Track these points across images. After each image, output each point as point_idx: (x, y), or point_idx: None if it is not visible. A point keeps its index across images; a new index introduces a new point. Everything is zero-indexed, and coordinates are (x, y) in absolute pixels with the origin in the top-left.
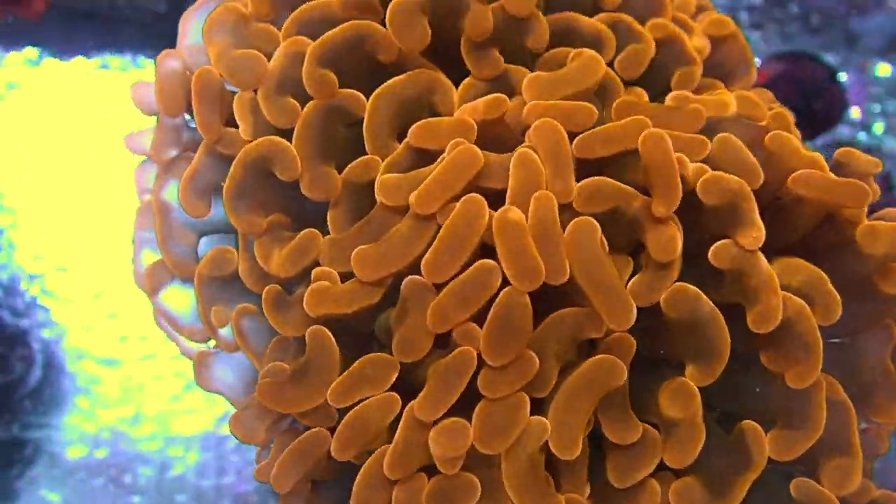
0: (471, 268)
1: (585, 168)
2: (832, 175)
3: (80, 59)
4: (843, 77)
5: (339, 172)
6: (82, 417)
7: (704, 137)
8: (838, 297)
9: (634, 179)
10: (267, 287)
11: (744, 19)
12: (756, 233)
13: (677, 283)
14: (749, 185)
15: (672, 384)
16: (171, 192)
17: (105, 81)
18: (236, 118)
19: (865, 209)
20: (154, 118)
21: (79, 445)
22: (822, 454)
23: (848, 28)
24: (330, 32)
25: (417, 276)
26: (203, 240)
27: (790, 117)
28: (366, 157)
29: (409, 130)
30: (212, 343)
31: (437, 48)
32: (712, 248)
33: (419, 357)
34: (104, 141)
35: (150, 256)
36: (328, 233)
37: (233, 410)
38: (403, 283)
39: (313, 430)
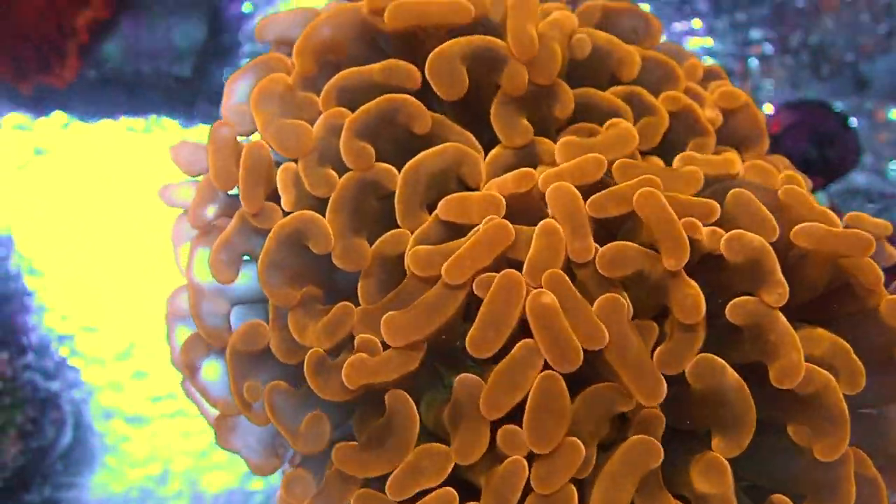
0: (514, 350)
1: (602, 227)
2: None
3: (106, 121)
4: (854, 123)
5: (371, 243)
6: (111, 476)
7: (713, 201)
8: (862, 367)
9: (651, 240)
10: (310, 352)
11: (754, 67)
12: (781, 289)
13: (702, 354)
14: (768, 238)
15: (703, 458)
16: (204, 262)
17: (131, 143)
18: (279, 189)
19: (882, 280)
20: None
21: None
22: None
23: (858, 73)
24: (366, 106)
25: (467, 375)
26: (234, 311)
27: (801, 179)
28: (397, 230)
29: (439, 204)
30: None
31: (470, 101)
32: (729, 304)
33: (475, 460)
34: (131, 201)
35: (184, 333)
36: (359, 303)
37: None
38: (456, 381)
39: None
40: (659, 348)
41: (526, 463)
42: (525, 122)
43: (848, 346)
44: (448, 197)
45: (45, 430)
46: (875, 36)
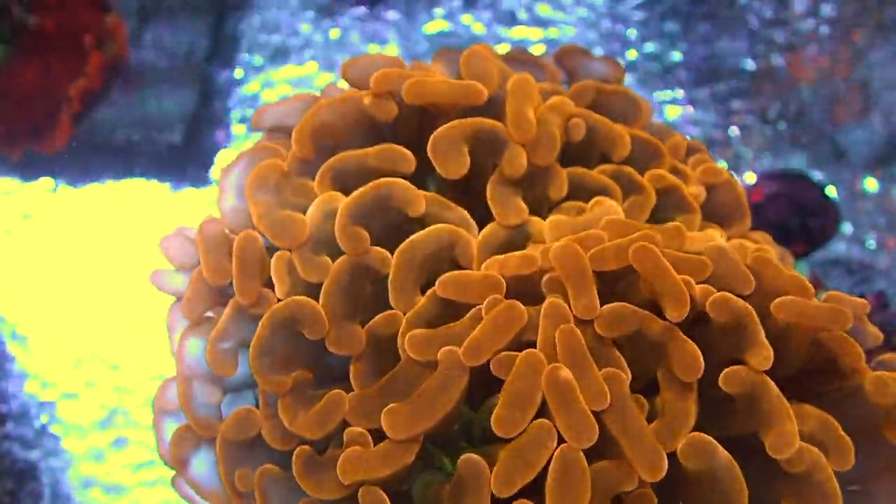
0: (529, 429)
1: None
2: (814, 300)
3: (93, 186)
4: (833, 192)
5: (363, 326)
6: None
7: (705, 258)
8: (851, 444)
9: (648, 296)
10: (298, 449)
11: (734, 135)
12: (766, 352)
13: (693, 433)
14: (743, 291)
15: None
16: (195, 351)
17: (118, 207)
18: (273, 279)
19: (863, 358)
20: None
21: None
22: None
23: (835, 144)
24: (360, 190)
25: (471, 455)
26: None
27: (772, 250)
28: (390, 311)
29: (438, 281)
30: None
31: (468, 176)
32: (723, 373)
33: None
34: (117, 267)
35: (173, 428)
36: (351, 385)
37: None
38: (460, 461)
39: None
40: (652, 425)
41: None
42: (520, 201)
43: (835, 422)
44: (448, 275)
45: (21, 501)
46: (851, 106)
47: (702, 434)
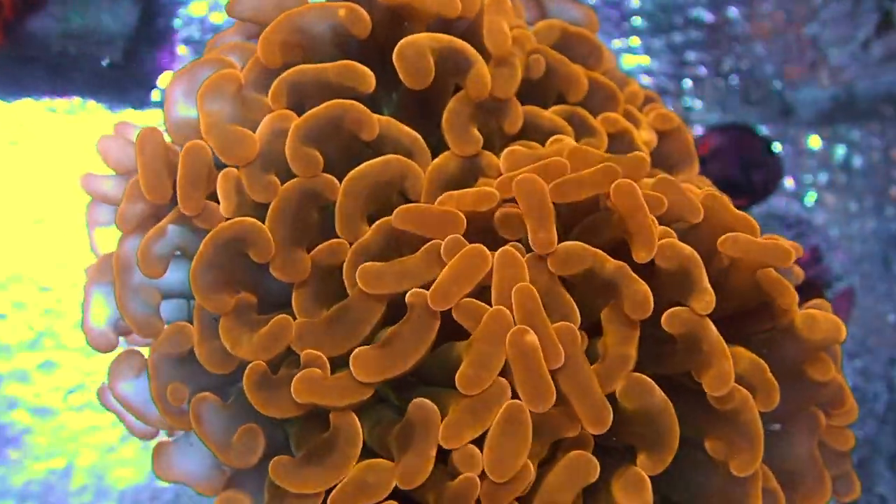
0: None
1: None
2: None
3: (26, 101)
4: (778, 148)
5: (308, 253)
6: (11, 469)
7: (661, 195)
8: (777, 385)
9: (612, 236)
10: (251, 365)
11: (686, 88)
12: (708, 297)
13: (633, 374)
14: (692, 220)
15: (625, 474)
16: (135, 248)
17: (52, 124)
18: (220, 195)
19: (797, 300)
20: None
21: (5, 500)
22: None
23: (784, 100)
24: (313, 111)
25: (423, 400)
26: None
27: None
28: (335, 240)
29: (396, 212)
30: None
31: (425, 99)
32: (665, 314)
33: (421, 481)
34: (48, 184)
35: (101, 311)
36: (293, 313)
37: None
38: (411, 404)
39: None
40: (593, 367)
41: (479, 482)
42: (476, 132)
43: (764, 364)
44: (407, 206)
45: None
46: (801, 64)
47: (640, 375)
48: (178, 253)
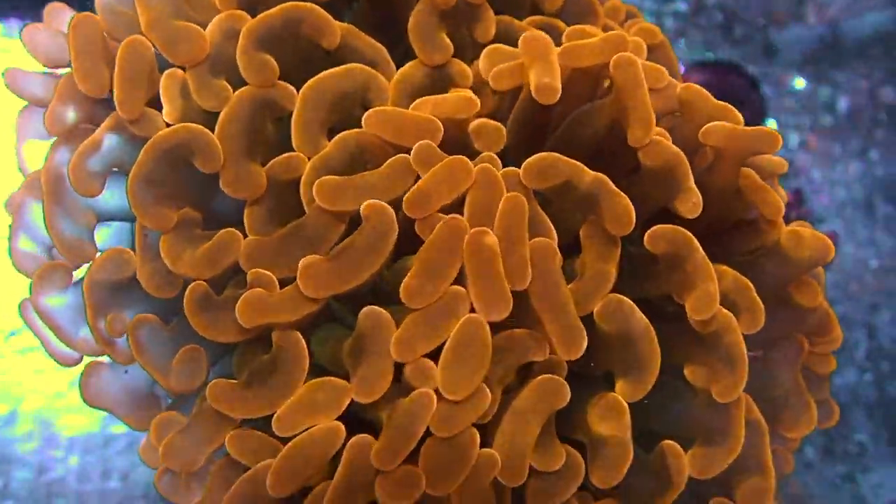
0: (441, 296)
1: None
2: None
3: None
4: (761, 86)
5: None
6: None
7: (661, 67)
8: (762, 305)
9: (604, 123)
10: (192, 285)
11: (669, 26)
12: (695, 198)
13: (612, 295)
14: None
15: (602, 400)
16: (66, 160)
17: None
18: (162, 98)
19: (782, 211)
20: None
21: None
22: (736, 474)
23: (767, 40)
24: (269, 11)
25: (375, 307)
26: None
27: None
28: (290, 153)
29: (366, 115)
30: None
31: (389, 15)
32: (648, 232)
33: (378, 397)
34: None
35: (30, 233)
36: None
37: None
38: (360, 314)
39: (261, 464)
40: (570, 286)
41: (435, 396)
42: (445, 38)
43: (749, 282)
44: (377, 109)
45: None
46: (787, 4)
47: (620, 296)
48: (116, 170)
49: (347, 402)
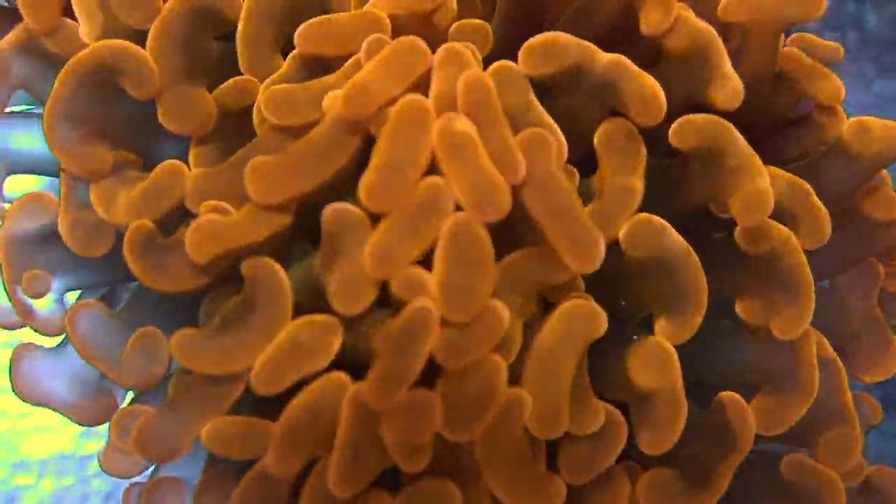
0: (418, 190)
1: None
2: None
3: None
4: None
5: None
6: None
7: None
8: (826, 212)
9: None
10: (134, 224)
11: None
12: (734, 83)
13: (639, 215)
14: None
15: (642, 347)
16: None
17: None
18: (77, 14)
19: (842, 94)
20: None
21: None
22: (812, 425)
23: None
24: None
25: (342, 203)
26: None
27: None
28: (240, 77)
29: (297, 32)
30: None
31: None
32: (673, 125)
33: (365, 306)
34: None
35: None
36: None
37: None
38: (324, 211)
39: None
40: (588, 208)
41: (433, 308)
42: None
43: (808, 185)
44: (310, 22)
45: None
46: None
47: (649, 215)
48: (28, 107)
49: (338, 341)
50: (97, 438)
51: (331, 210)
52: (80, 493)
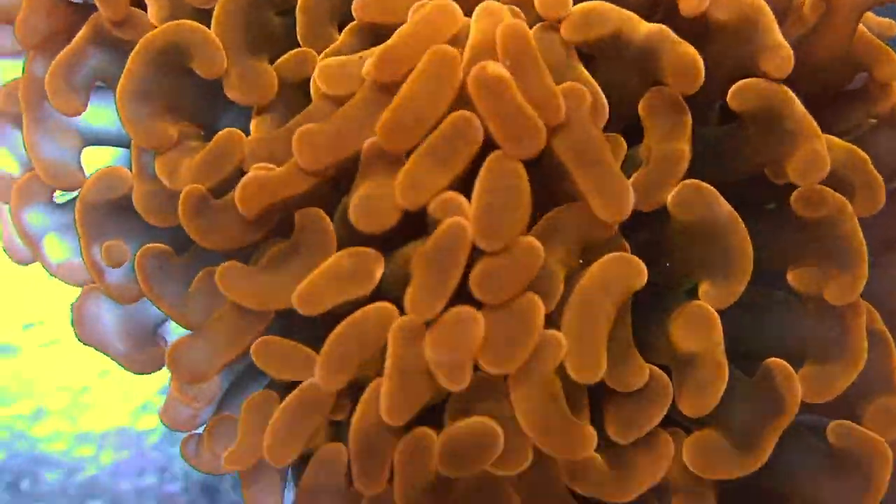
0: (445, 121)
1: None
2: None
3: None
4: None
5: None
6: None
7: None
8: (881, 179)
9: None
10: (187, 189)
11: None
12: (784, 52)
13: (688, 180)
14: None
15: (685, 310)
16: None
17: None
18: None
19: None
20: None
21: None
22: (858, 394)
23: None
24: None
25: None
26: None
27: None
28: (299, 49)
29: (354, 4)
30: None
31: None
32: (733, 88)
33: (383, 226)
34: None
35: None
36: None
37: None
38: (364, 147)
39: (307, 383)
40: (634, 176)
41: (468, 225)
42: None
43: (865, 154)
44: None
45: None
46: None
47: (697, 181)
48: (101, 84)
49: (380, 270)
50: (153, 414)
51: (370, 143)
52: (137, 466)
